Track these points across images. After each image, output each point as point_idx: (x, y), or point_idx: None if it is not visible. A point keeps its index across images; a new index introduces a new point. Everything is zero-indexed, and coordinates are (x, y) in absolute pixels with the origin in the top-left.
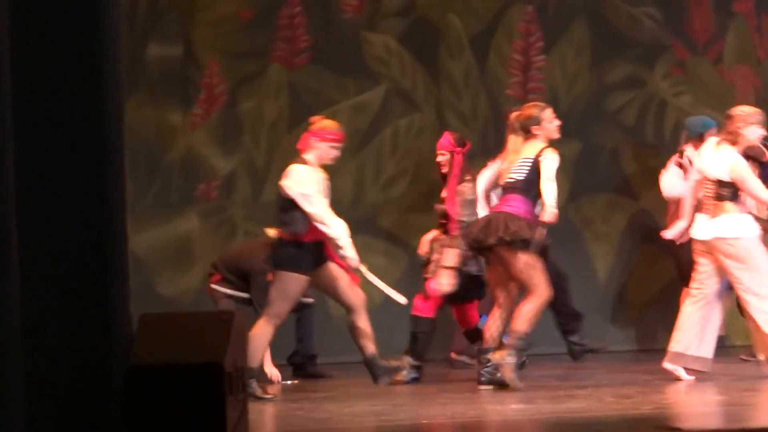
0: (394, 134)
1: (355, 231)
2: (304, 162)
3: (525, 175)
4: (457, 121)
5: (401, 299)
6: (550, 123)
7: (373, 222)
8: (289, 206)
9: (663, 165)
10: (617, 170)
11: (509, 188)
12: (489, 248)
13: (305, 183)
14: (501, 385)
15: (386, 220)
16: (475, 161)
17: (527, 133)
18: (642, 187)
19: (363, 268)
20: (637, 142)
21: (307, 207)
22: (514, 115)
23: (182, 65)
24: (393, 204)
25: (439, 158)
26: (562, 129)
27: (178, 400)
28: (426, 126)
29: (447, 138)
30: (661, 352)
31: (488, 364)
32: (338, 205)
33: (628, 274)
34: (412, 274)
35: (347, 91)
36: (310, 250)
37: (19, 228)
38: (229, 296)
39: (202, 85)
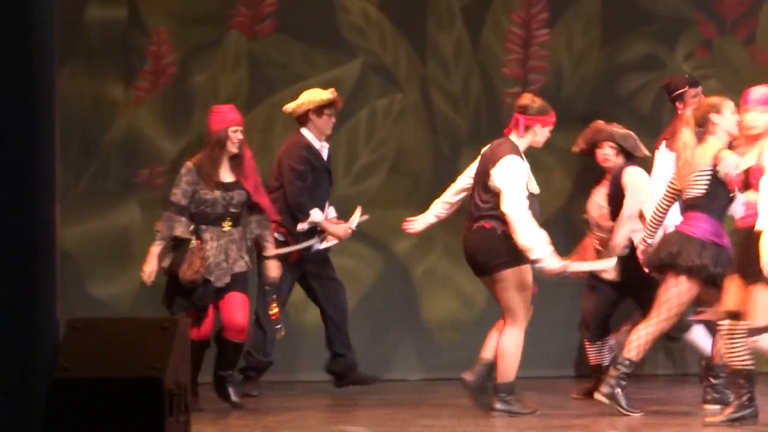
0: (370, 117)
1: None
2: (511, 144)
3: (706, 187)
4: (445, 102)
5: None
6: (734, 113)
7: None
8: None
9: None
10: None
11: (690, 204)
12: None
13: (512, 178)
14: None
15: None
16: (465, 150)
17: (702, 126)
18: None
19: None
20: (652, 132)
21: (506, 206)
22: (691, 110)
23: (125, 30)
24: (367, 199)
25: (239, 135)
26: (565, 114)
27: (109, 420)
28: (408, 108)
29: (232, 110)
30: None
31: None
32: None
33: None
34: (388, 281)
35: (317, 65)
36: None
37: None
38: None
39: (148, 54)
